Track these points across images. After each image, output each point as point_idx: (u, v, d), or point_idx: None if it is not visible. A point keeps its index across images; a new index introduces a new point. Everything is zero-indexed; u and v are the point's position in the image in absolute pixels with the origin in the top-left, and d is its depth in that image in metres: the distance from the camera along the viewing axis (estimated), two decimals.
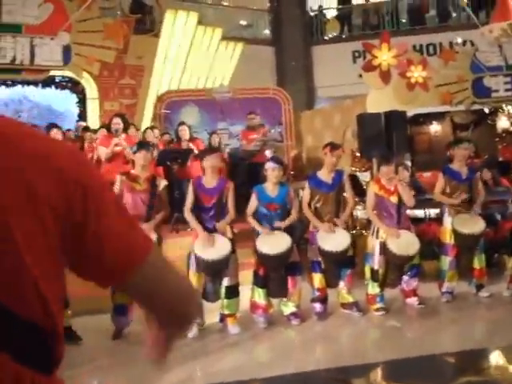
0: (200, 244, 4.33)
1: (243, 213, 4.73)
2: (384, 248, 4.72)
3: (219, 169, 4.77)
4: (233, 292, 4.46)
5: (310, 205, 4.79)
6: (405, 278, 4.92)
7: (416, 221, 5.65)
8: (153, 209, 4.43)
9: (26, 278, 0.70)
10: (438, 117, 9.23)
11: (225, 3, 14.00)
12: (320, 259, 4.72)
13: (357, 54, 12.50)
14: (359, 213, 6.34)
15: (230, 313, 4.50)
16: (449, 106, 8.81)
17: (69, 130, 7.98)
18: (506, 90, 8.74)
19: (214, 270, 4.39)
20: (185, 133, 7.26)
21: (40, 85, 9.32)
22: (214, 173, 4.50)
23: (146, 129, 7.88)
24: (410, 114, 7.72)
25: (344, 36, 13.62)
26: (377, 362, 3.83)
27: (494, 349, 3.92)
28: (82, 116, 9.58)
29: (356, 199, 5.58)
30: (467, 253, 5.09)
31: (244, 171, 7.46)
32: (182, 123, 7.53)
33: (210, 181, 4.49)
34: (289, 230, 4.57)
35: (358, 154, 7.57)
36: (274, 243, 4.44)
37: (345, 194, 4.82)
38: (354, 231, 6.04)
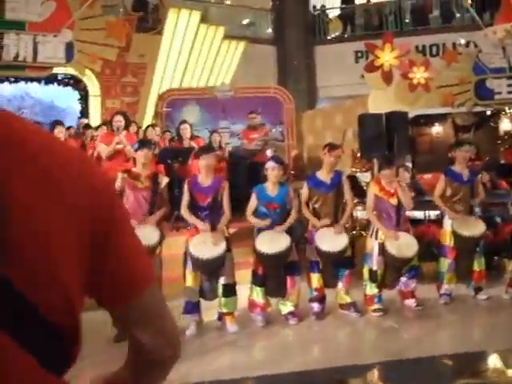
0: (195, 242, 4.33)
1: (243, 212, 4.74)
2: (383, 250, 4.72)
3: (215, 168, 4.77)
4: (230, 290, 4.47)
5: (308, 205, 4.80)
6: (403, 279, 4.93)
7: (415, 222, 5.65)
8: (155, 206, 4.45)
9: (58, 282, 0.70)
10: (440, 118, 9.18)
11: (228, 2, 14.01)
12: (318, 259, 4.73)
13: (359, 54, 12.48)
14: (359, 213, 6.34)
15: (228, 311, 4.51)
16: (451, 107, 8.79)
17: (70, 127, 8.00)
18: (509, 93, 8.69)
19: (210, 268, 4.39)
20: (186, 131, 7.26)
21: (43, 82, 9.36)
22: (209, 172, 4.51)
23: (148, 127, 7.88)
24: (411, 115, 7.69)
25: (346, 36, 13.59)
26: (374, 362, 3.83)
27: (492, 351, 3.92)
28: (84, 113, 9.60)
29: (355, 200, 5.58)
30: (467, 255, 5.08)
31: (245, 170, 7.44)
32: (184, 121, 7.52)
33: (205, 180, 4.50)
34: (288, 230, 4.58)
35: (359, 155, 7.57)
36: (273, 242, 4.45)
37: (344, 197, 4.81)
38: (354, 232, 6.04)
